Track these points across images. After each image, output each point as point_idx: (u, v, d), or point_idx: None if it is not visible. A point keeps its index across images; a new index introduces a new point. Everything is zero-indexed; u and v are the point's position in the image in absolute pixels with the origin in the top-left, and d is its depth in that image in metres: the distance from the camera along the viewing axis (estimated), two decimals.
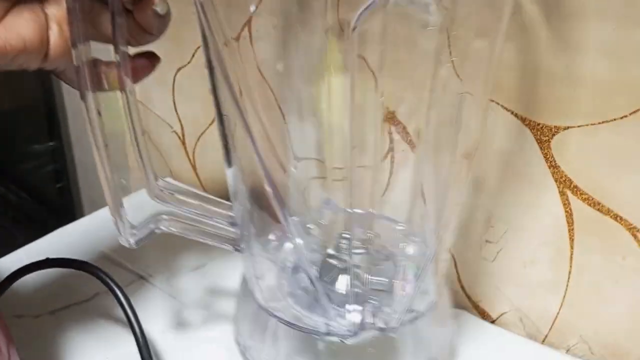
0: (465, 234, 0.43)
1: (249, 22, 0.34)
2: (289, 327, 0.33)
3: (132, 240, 0.31)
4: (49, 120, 0.73)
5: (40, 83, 0.71)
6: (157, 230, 0.32)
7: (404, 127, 0.39)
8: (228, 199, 0.47)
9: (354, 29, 0.23)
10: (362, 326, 0.32)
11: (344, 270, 0.36)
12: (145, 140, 0.30)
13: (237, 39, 0.33)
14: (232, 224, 0.34)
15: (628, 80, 0.32)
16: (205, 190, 0.61)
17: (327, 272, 0.36)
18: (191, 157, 0.60)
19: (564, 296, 0.40)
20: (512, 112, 0.37)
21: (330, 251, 0.37)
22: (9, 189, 0.79)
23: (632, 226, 0.36)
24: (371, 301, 0.33)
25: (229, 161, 0.32)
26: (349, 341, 0.32)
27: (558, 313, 0.41)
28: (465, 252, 0.44)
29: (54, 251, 0.50)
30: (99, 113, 0.27)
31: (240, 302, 0.39)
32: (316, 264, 0.36)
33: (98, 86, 0.27)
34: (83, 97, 0.26)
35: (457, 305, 0.45)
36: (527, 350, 0.41)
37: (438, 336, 0.38)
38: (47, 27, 0.26)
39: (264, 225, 0.35)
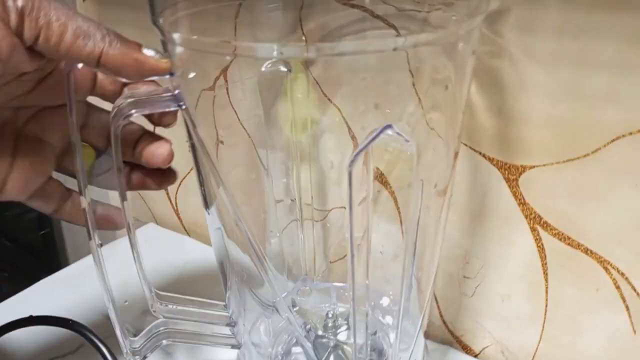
0: (444, 270, 0.44)
1: (224, 71, 0.35)
2: None
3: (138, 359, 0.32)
4: None
5: None
6: (159, 344, 0.33)
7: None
8: (209, 242, 0.47)
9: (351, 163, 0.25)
10: None
11: (335, 348, 0.37)
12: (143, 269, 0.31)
13: (213, 88, 0.34)
14: (228, 325, 0.35)
15: (587, 121, 0.34)
16: (187, 232, 0.62)
17: (321, 351, 0.37)
18: (174, 202, 0.61)
19: (542, 328, 0.41)
20: (479, 153, 0.39)
21: (319, 332, 0.38)
22: None
23: (602, 259, 0.37)
24: None
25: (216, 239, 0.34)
26: None
27: (538, 346, 0.42)
28: (445, 288, 0.45)
29: (39, 303, 0.51)
30: (101, 244, 0.29)
31: None
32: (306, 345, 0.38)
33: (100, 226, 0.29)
34: (90, 237, 0.28)
35: (441, 340, 0.46)
36: None
37: None
38: (7, 172, 0.27)
39: (254, 307, 0.37)
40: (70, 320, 0.39)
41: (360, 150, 0.25)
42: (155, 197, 0.63)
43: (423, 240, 0.34)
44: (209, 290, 0.38)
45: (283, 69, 0.32)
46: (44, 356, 0.44)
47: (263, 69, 0.31)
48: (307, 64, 0.33)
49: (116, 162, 0.25)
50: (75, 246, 0.71)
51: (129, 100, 0.25)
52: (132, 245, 0.29)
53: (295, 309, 0.40)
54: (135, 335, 0.32)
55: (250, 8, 0.34)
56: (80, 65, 0.23)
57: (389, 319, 0.40)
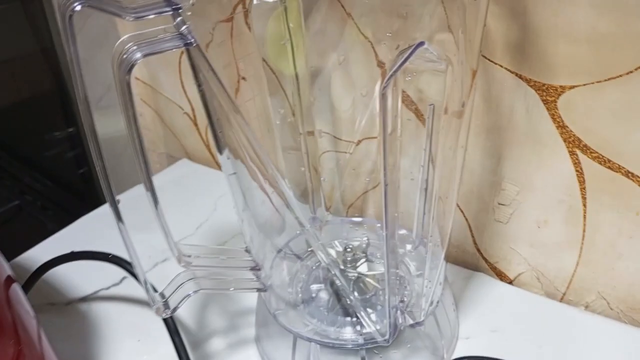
0: (478, 197, 0.43)
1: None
2: (324, 345, 0.34)
3: (168, 312, 0.31)
4: (64, 108, 0.74)
5: (51, 72, 0.72)
6: (188, 295, 0.32)
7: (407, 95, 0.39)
8: None
9: (384, 88, 0.24)
10: (395, 327, 0.33)
11: (357, 280, 0.37)
12: (166, 224, 0.30)
13: (230, 19, 0.33)
14: (253, 269, 0.35)
15: (631, 34, 0.31)
16: (219, 167, 0.62)
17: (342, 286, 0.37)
18: (204, 137, 0.61)
19: (580, 254, 0.40)
20: (516, 74, 0.37)
21: (341, 266, 0.38)
22: (35, 177, 0.81)
23: None
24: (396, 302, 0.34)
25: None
26: (391, 342, 0.34)
27: (575, 271, 0.41)
28: (479, 215, 0.44)
29: (81, 238, 0.53)
30: (118, 201, 0.29)
31: (261, 327, 0.40)
32: (325, 283, 0.38)
33: None
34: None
35: (474, 267, 0.46)
36: (546, 309, 0.42)
37: (449, 307, 0.39)
38: None
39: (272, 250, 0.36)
40: (110, 254, 0.41)
41: (395, 71, 0.23)
42: (187, 133, 0.63)
43: (441, 166, 0.33)
44: None
45: None
46: (90, 288, 0.46)
47: (255, 1, 0.29)
48: None
49: (127, 115, 0.24)
50: (114, 182, 0.72)
51: (132, 45, 0.23)
52: (153, 203, 0.28)
53: (309, 249, 0.40)
54: None
55: None
56: (79, 7, 0.21)
57: (408, 247, 0.40)
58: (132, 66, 0.23)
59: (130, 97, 0.23)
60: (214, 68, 0.25)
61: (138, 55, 0.23)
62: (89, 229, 0.55)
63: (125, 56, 0.23)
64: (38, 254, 0.51)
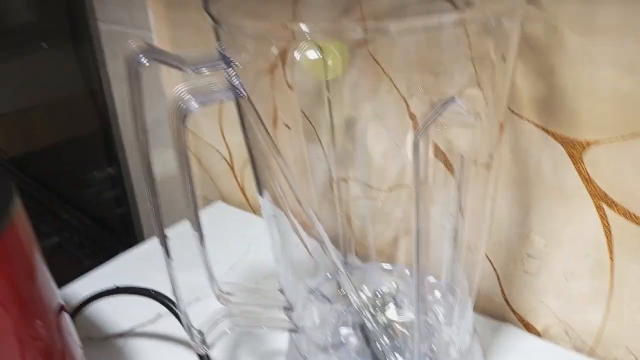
0: (506, 248, 0.44)
1: (283, 53, 0.36)
2: None
3: (206, 348, 0.33)
4: (107, 149, 0.77)
5: (97, 113, 0.76)
6: (224, 332, 0.34)
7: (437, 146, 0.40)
8: None
9: (417, 139, 0.26)
10: None
11: (386, 327, 0.38)
12: (209, 262, 0.32)
13: (272, 70, 0.35)
14: (286, 309, 0.36)
15: None
16: (253, 210, 0.64)
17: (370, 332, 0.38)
18: (239, 180, 0.63)
19: (607, 307, 0.40)
20: (542, 128, 0.38)
21: (370, 311, 0.39)
22: (74, 215, 0.84)
23: None
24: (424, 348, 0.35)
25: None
26: None
27: (602, 325, 0.41)
28: (507, 266, 0.44)
29: (118, 276, 0.54)
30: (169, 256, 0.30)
31: None
32: (354, 327, 0.39)
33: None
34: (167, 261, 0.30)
35: (502, 318, 0.46)
36: None
37: (478, 358, 0.40)
38: None
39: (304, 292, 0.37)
40: (153, 290, 0.42)
41: (428, 123, 0.25)
42: (222, 176, 0.65)
43: (471, 216, 0.34)
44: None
45: (315, 55, 0.32)
46: (124, 326, 0.48)
47: (297, 57, 0.31)
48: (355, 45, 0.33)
49: (180, 160, 0.25)
50: (150, 224, 0.75)
51: (187, 94, 0.24)
52: (199, 241, 0.30)
53: (339, 290, 0.41)
54: None
55: None
56: (145, 61, 0.23)
57: (437, 294, 0.40)
58: (187, 115, 0.25)
59: (184, 143, 0.25)
60: (260, 116, 0.27)
61: (194, 104, 0.25)
62: (126, 267, 0.57)
63: (181, 105, 0.25)
64: (75, 289, 0.52)
